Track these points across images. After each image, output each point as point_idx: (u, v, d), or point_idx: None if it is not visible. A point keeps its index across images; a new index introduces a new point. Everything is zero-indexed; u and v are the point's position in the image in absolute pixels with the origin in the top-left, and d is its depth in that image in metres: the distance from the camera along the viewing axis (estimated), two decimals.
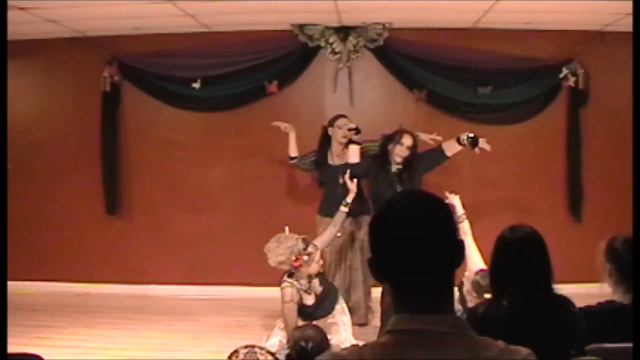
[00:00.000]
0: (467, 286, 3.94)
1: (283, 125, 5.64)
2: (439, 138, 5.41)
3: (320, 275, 4.67)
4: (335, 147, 5.58)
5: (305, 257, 4.42)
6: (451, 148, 5.15)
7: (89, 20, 6.07)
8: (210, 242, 6.70)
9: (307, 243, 4.52)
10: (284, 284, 4.52)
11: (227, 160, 6.75)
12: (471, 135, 5.12)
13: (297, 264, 4.43)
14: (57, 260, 6.77)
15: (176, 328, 5.62)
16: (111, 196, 6.74)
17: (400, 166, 5.09)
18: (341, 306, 4.79)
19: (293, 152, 5.64)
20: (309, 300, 4.58)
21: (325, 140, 5.63)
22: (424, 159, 5.18)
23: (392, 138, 5.15)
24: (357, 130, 5.28)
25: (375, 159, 5.20)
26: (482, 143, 5.15)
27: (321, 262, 4.58)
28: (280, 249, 4.46)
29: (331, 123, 5.58)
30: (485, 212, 5.97)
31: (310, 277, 4.57)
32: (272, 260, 4.50)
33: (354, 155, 5.18)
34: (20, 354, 2.22)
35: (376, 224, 1.35)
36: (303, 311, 4.57)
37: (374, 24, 6.41)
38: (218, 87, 6.61)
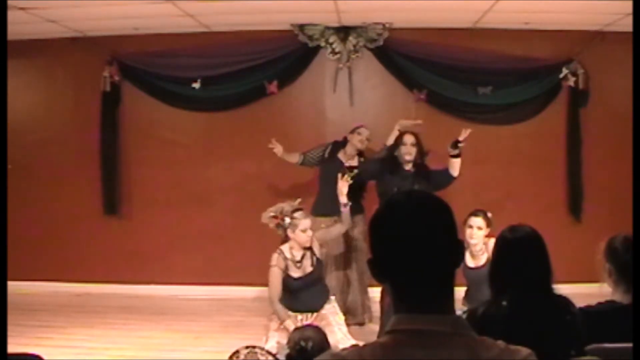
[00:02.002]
0: None
1: (278, 149, 5.67)
2: (420, 122, 5.45)
3: (316, 260, 4.70)
4: (349, 149, 5.64)
5: (288, 219, 4.55)
6: (452, 166, 5.10)
7: (89, 20, 6.07)
8: (210, 242, 6.70)
9: (298, 210, 4.62)
10: (275, 252, 4.65)
11: (227, 160, 6.75)
12: (452, 144, 5.08)
13: (276, 220, 4.59)
14: (57, 260, 6.77)
15: (176, 328, 5.62)
16: (110, 196, 6.74)
17: (412, 168, 5.08)
18: (332, 306, 4.80)
19: (294, 159, 5.74)
20: (295, 272, 4.61)
21: (341, 142, 5.72)
22: (433, 176, 5.13)
23: (396, 144, 5.17)
24: (352, 172, 5.13)
25: (384, 164, 5.18)
26: (462, 135, 5.06)
27: (310, 233, 4.60)
28: (273, 208, 4.65)
29: (352, 130, 5.66)
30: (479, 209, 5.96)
31: (304, 252, 4.63)
32: (263, 217, 4.66)
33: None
34: (20, 354, 2.22)
35: (376, 223, 1.34)
36: (288, 284, 4.60)
37: (374, 24, 6.41)
38: (218, 87, 6.62)
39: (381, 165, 5.19)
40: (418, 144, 5.11)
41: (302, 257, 4.66)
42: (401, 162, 5.10)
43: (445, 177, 5.12)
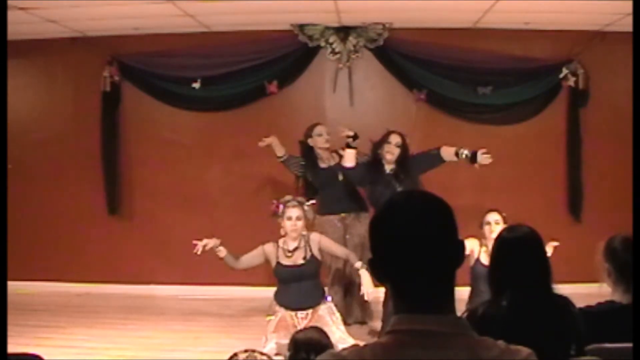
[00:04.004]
0: None
1: (266, 142, 5.61)
2: (350, 133, 5.14)
3: (310, 256, 4.78)
4: (321, 153, 5.58)
5: (281, 206, 4.77)
6: (449, 156, 5.09)
7: (89, 20, 6.07)
8: None
9: (295, 202, 4.79)
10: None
11: (227, 160, 6.75)
12: (469, 153, 5.01)
13: (274, 206, 4.83)
14: (57, 260, 6.76)
15: (176, 328, 5.62)
16: (112, 196, 6.74)
17: (393, 166, 5.08)
18: (328, 306, 4.84)
19: (280, 152, 5.64)
20: (285, 261, 4.77)
21: (308, 152, 5.60)
22: (419, 159, 5.16)
23: (381, 142, 5.14)
24: (354, 137, 5.14)
25: (369, 166, 5.16)
26: (482, 158, 5.00)
27: (296, 222, 4.73)
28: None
29: (308, 134, 5.56)
30: (484, 212, 5.96)
31: (298, 244, 4.77)
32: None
33: (350, 159, 5.14)
34: (20, 354, 2.23)
35: (376, 224, 1.34)
36: (277, 272, 4.80)
37: (374, 24, 6.41)
38: (218, 87, 6.62)
39: (365, 171, 5.16)
40: (403, 145, 5.10)
41: (295, 249, 4.78)
42: (382, 164, 5.09)
43: (433, 159, 5.12)
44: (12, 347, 2.74)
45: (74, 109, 6.85)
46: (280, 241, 4.80)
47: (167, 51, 6.59)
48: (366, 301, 5.66)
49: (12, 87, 6.40)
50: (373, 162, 5.16)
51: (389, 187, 4.92)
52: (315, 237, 4.86)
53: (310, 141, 5.56)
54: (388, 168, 5.10)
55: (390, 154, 5.08)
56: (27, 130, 6.79)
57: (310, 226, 5.01)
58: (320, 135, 5.53)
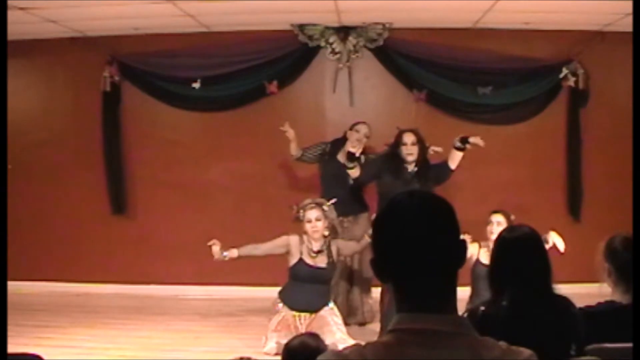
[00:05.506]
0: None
1: (289, 132, 5.67)
2: (352, 150, 5.16)
3: (331, 262, 4.84)
4: (348, 147, 5.60)
5: (301, 211, 4.78)
6: (453, 159, 5.08)
7: (89, 20, 6.07)
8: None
9: (314, 204, 4.85)
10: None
11: (227, 160, 6.74)
12: (461, 138, 5.07)
13: (294, 211, 4.88)
14: (57, 260, 6.76)
15: (176, 328, 5.62)
16: (117, 196, 6.73)
17: (415, 167, 5.03)
18: (330, 307, 4.85)
19: (294, 151, 5.73)
20: (309, 260, 4.80)
21: (341, 138, 5.68)
22: (433, 171, 5.12)
23: (396, 144, 5.09)
24: (352, 158, 5.09)
25: (388, 164, 5.10)
26: (473, 139, 5.06)
27: (316, 224, 4.77)
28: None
29: (352, 126, 5.63)
30: (484, 212, 5.96)
31: (322, 247, 4.81)
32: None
33: (353, 174, 5.17)
34: (20, 354, 2.22)
35: (379, 223, 1.35)
36: (297, 270, 4.81)
37: (374, 24, 6.41)
38: (218, 87, 6.62)
39: (382, 164, 5.14)
40: (419, 141, 5.08)
41: (319, 252, 4.81)
42: (404, 163, 5.05)
43: (444, 171, 5.11)
44: (12, 347, 2.74)
45: (74, 109, 6.85)
46: (305, 238, 4.82)
47: (167, 51, 6.58)
48: (367, 301, 5.67)
49: (12, 87, 6.40)
50: (392, 159, 5.08)
51: (409, 186, 4.84)
52: (334, 243, 4.91)
53: (348, 132, 5.60)
54: (410, 168, 5.05)
55: (411, 154, 5.02)
56: (27, 130, 6.79)
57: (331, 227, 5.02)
58: (357, 132, 5.52)
